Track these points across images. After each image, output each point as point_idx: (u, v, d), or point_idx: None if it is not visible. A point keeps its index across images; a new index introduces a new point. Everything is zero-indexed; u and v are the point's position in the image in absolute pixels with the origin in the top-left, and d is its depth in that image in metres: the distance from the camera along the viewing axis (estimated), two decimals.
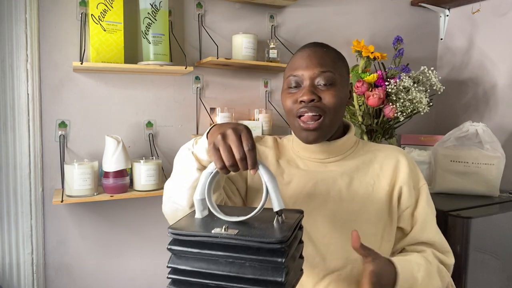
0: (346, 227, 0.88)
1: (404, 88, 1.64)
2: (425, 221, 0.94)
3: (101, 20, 1.35)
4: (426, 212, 0.94)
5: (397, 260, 0.82)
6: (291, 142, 0.99)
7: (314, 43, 0.93)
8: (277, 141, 1.02)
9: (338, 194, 0.90)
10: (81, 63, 1.30)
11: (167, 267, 0.65)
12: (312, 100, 0.85)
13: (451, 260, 0.96)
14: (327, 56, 0.89)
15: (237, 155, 0.65)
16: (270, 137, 1.03)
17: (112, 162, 1.35)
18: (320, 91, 0.87)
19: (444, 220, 1.35)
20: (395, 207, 0.93)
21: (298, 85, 0.89)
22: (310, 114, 0.86)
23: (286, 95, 0.90)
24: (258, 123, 1.61)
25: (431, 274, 0.87)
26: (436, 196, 1.61)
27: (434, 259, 0.91)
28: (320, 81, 0.87)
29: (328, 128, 0.89)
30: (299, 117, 0.88)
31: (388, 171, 0.94)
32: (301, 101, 0.86)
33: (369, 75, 1.66)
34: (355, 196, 0.90)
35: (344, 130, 0.97)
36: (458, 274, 1.34)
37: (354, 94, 1.65)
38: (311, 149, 0.94)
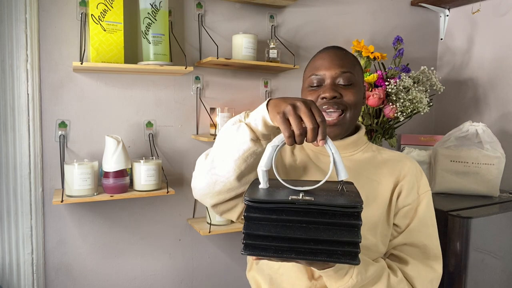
0: None
1: (404, 88, 1.64)
2: (422, 224, 0.95)
3: (101, 20, 1.35)
4: (425, 216, 0.96)
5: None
6: None
7: (333, 46, 1.00)
8: None
9: None
10: (81, 63, 1.30)
11: (242, 233, 0.69)
12: (334, 97, 0.91)
13: (436, 271, 0.95)
14: (347, 58, 0.95)
15: (309, 125, 0.68)
16: None
17: (112, 162, 1.36)
18: (341, 89, 0.93)
19: (444, 220, 1.35)
20: (393, 204, 0.95)
21: (319, 84, 0.94)
22: (332, 109, 0.92)
23: (307, 92, 0.96)
24: None
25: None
26: (436, 196, 1.61)
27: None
28: (340, 80, 0.94)
29: (347, 124, 0.95)
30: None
31: (394, 171, 0.97)
32: (323, 97, 0.92)
33: (369, 75, 1.66)
34: (360, 190, 0.92)
35: (355, 130, 1.02)
36: (458, 274, 1.34)
37: None
38: None
